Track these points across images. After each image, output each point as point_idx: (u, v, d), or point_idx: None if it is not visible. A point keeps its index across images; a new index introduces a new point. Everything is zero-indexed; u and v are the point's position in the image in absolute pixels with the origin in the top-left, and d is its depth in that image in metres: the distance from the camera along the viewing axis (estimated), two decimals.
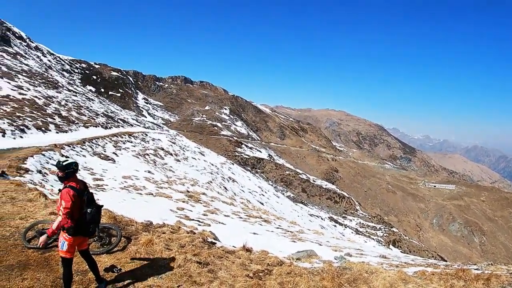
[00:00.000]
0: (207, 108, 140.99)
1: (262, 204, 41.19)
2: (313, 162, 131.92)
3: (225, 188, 37.27)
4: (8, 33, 74.98)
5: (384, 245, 62.38)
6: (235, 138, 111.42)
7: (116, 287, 5.83)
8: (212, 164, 47.73)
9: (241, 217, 20.99)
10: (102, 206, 5.91)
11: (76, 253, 5.66)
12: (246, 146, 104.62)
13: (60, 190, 5.27)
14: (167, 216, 15.14)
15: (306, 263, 8.50)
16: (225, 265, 6.93)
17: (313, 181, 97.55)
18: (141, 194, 19.89)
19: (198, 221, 16.00)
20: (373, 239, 65.41)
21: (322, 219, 63.73)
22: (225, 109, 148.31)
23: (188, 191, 24.72)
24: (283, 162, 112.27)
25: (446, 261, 51.27)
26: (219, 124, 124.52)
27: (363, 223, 79.59)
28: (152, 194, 20.66)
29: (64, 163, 5.31)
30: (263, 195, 49.30)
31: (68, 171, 5.33)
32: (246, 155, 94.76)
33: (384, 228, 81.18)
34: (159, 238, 7.88)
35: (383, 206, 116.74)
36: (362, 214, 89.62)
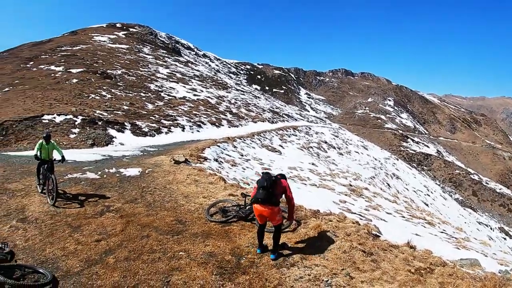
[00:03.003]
0: (369, 100, 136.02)
1: (427, 205, 37.34)
2: (487, 160, 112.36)
3: (388, 184, 35.08)
4: (178, 45, 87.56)
5: None
6: (400, 132, 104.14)
7: (286, 260, 6.57)
8: (375, 159, 45.49)
9: (403, 216, 19.53)
10: None
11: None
12: (412, 140, 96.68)
13: (273, 181, 6.52)
14: (329, 207, 14.86)
15: (469, 271, 8.03)
16: (388, 257, 7.09)
17: (486, 183, 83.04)
18: (305, 184, 20.26)
19: (359, 215, 15.73)
20: None
21: (491, 229, 53.80)
22: (389, 100, 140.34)
23: (350, 185, 23.99)
24: (453, 159, 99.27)
25: None
26: (382, 117, 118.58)
27: None
28: (315, 185, 20.80)
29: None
30: (429, 196, 44.65)
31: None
32: (412, 150, 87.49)
33: None
34: (327, 224, 8.40)
35: None
36: None
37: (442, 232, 17.89)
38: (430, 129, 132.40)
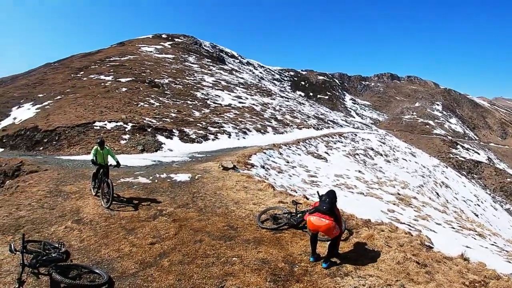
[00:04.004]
0: (417, 104, 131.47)
1: (477, 215, 35.25)
2: None
3: (437, 193, 33.56)
4: (222, 54, 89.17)
5: None
6: (449, 138, 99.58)
7: (340, 269, 6.50)
8: (424, 167, 43.72)
9: (453, 227, 18.61)
10: None
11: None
12: (462, 146, 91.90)
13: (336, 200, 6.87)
14: (377, 216, 14.42)
15: None
16: (442, 269, 7.00)
17: None
18: (352, 192, 19.83)
19: (408, 225, 15.19)
20: None
21: None
22: (437, 104, 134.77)
23: (398, 194, 23.17)
24: (504, 167, 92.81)
25: None
26: (431, 122, 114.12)
27: None
28: (362, 193, 20.34)
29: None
30: (479, 206, 42.15)
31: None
32: (462, 157, 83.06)
33: None
34: (379, 234, 8.35)
35: None
36: None
37: (493, 245, 17.10)
38: (480, 135, 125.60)
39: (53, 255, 6.27)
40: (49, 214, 9.03)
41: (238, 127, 29.98)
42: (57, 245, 6.84)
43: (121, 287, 5.85)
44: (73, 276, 6.02)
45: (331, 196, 6.83)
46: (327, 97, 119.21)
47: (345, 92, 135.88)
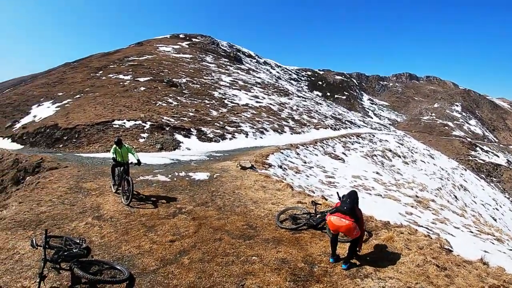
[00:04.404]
0: (436, 105, 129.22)
1: (495, 220, 34.48)
2: None
3: (455, 196, 33.01)
4: (239, 54, 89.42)
5: None
6: (469, 139, 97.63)
7: (359, 271, 6.48)
8: (442, 169, 43.02)
9: (471, 231, 18.40)
10: None
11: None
12: (481, 149, 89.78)
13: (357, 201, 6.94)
14: (395, 218, 14.31)
15: None
16: (462, 273, 6.97)
17: None
18: (370, 194, 19.73)
19: (427, 228, 15.09)
20: None
21: None
22: (456, 105, 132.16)
23: (416, 196, 22.92)
24: None
25: None
26: (450, 123, 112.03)
27: None
28: (380, 195, 20.24)
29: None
30: (497, 210, 41.20)
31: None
32: (481, 160, 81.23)
33: None
34: (398, 236, 8.34)
35: None
36: None
37: (511, 250, 16.79)
38: (500, 137, 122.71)
39: (75, 250, 6.35)
40: (69, 210, 9.15)
41: (255, 127, 30.02)
42: (78, 241, 6.92)
43: (142, 284, 5.89)
44: (94, 271, 6.10)
45: (352, 196, 6.83)
46: (344, 97, 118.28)
47: (363, 92, 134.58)
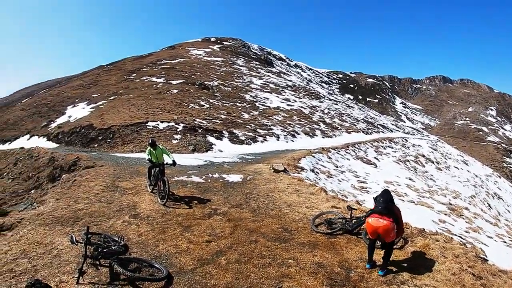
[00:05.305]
0: (470, 109, 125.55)
1: None
2: None
3: (489, 205, 31.74)
4: (270, 57, 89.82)
5: None
6: (504, 145, 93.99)
7: (396, 278, 6.45)
8: (476, 176, 41.46)
9: (505, 242, 17.78)
10: None
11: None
12: None
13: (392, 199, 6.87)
14: (429, 226, 13.91)
15: None
16: (497, 282, 6.86)
17: None
18: (403, 200, 19.33)
19: (460, 237, 14.67)
20: None
21: None
22: (491, 110, 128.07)
23: (450, 204, 22.27)
24: None
25: None
26: (484, 128, 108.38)
27: None
28: (413, 202, 19.83)
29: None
30: None
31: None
32: None
33: None
34: (434, 244, 8.26)
35: None
36: None
37: None
38: None
39: (113, 247, 6.53)
40: (106, 208, 9.39)
41: (286, 130, 30.00)
42: (116, 238, 7.09)
43: (180, 283, 5.97)
44: (133, 269, 6.22)
45: (385, 195, 6.76)
46: (376, 100, 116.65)
47: (395, 96, 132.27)
